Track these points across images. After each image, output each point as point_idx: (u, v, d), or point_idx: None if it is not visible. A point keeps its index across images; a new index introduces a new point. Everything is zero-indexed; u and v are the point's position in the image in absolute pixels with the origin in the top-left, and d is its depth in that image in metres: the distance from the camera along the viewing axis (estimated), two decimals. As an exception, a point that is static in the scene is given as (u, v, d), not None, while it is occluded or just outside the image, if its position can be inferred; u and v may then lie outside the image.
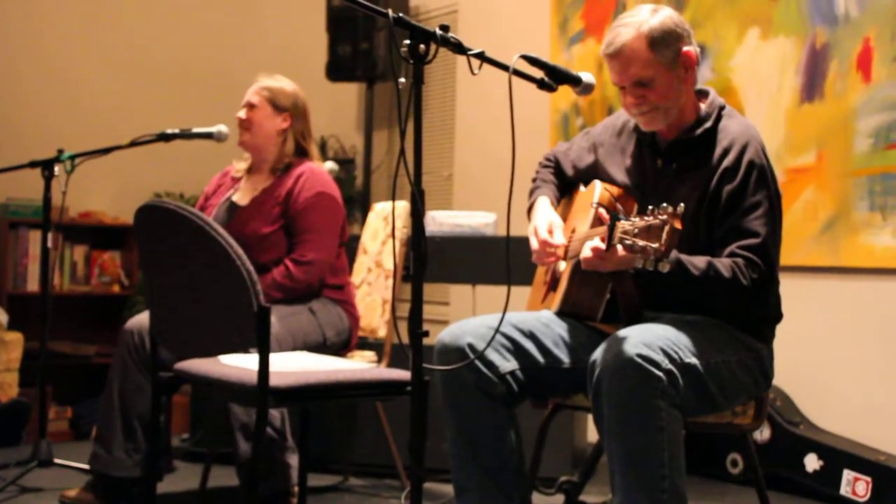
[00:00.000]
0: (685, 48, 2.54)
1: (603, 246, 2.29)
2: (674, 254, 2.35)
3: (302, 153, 3.62)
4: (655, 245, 2.09)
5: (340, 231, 3.61)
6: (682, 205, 2.12)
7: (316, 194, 3.51)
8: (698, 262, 2.40)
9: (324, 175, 3.61)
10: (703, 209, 2.51)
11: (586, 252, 2.37)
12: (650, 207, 2.14)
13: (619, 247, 2.19)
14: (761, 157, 2.51)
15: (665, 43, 2.51)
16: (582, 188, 2.82)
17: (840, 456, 3.66)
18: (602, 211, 2.30)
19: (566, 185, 2.90)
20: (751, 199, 2.47)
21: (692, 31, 2.60)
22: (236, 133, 3.65)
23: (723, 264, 2.41)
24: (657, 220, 2.10)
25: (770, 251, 2.46)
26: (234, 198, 3.63)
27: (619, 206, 2.49)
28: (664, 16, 2.54)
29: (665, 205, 2.11)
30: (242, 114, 3.61)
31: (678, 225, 2.09)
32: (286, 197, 3.50)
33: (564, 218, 2.80)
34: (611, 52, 2.53)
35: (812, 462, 3.74)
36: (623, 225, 2.18)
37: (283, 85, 3.63)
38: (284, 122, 3.60)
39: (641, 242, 2.11)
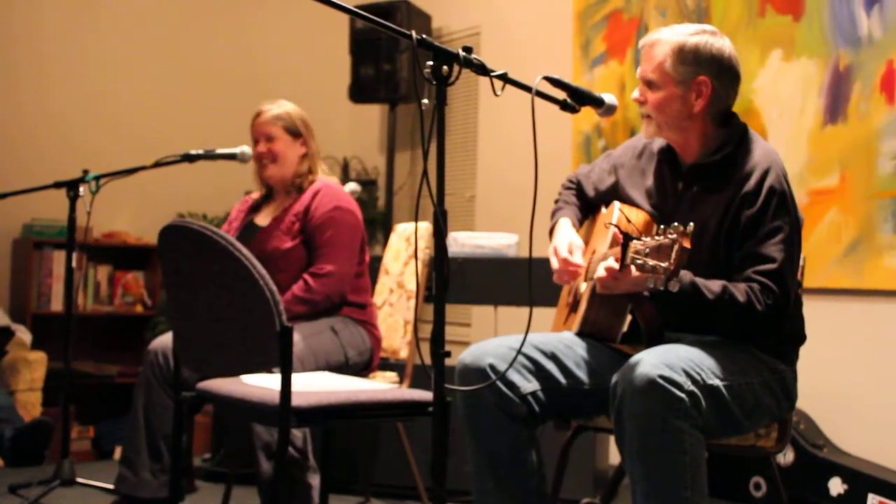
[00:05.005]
0: (704, 76, 2.50)
1: (617, 266, 2.30)
2: (689, 276, 2.36)
3: (311, 169, 3.67)
4: (665, 264, 2.09)
5: (360, 245, 3.62)
6: (691, 224, 2.11)
7: (333, 208, 3.55)
8: (713, 285, 2.39)
9: (340, 190, 3.65)
10: (722, 233, 2.49)
11: (601, 272, 2.37)
12: (661, 227, 2.15)
13: (633, 267, 2.19)
14: (782, 183, 2.48)
15: (685, 61, 2.50)
16: (603, 209, 2.82)
17: (865, 479, 3.62)
18: (616, 231, 2.30)
19: (588, 206, 2.90)
20: (770, 224, 2.44)
21: (739, 72, 2.56)
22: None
23: (738, 289, 2.39)
24: (667, 240, 2.11)
25: (786, 277, 2.43)
26: (256, 220, 3.68)
27: (633, 227, 2.49)
28: (708, 40, 2.52)
29: (676, 224, 2.11)
30: (263, 147, 3.63)
31: (687, 244, 2.09)
32: (304, 213, 3.55)
33: (586, 240, 2.80)
34: (643, 42, 2.61)
35: (836, 486, 3.70)
36: (635, 245, 2.19)
37: (289, 110, 3.65)
38: (303, 146, 3.64)
39: (652, 262, 2.11)
